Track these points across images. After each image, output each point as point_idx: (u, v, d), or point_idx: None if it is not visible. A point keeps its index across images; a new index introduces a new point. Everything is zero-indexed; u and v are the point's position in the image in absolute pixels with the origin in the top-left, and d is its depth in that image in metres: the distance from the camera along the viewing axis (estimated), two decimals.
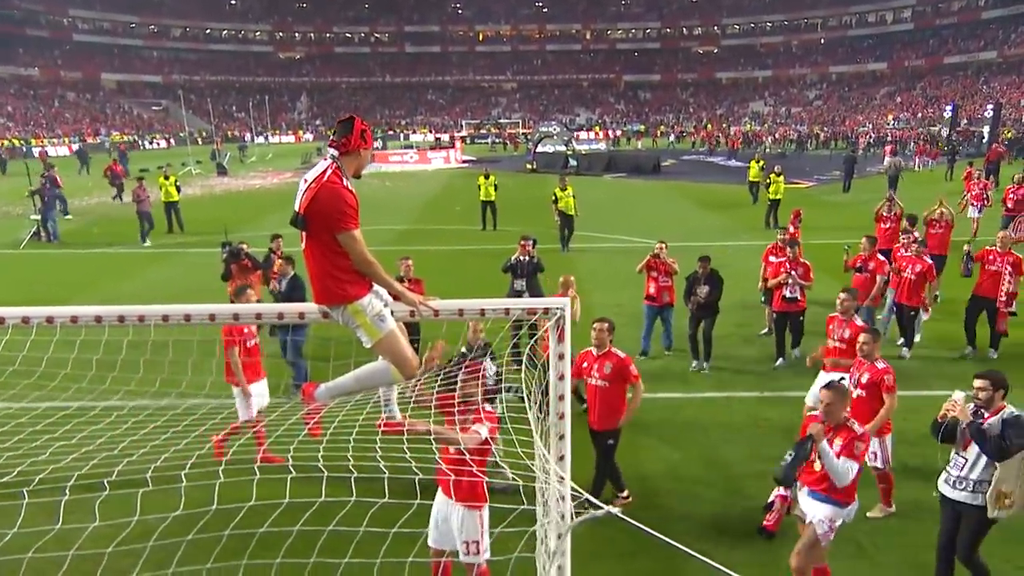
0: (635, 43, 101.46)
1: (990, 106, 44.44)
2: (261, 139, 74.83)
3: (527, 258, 9.89)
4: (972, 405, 5.13)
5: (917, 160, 38.93)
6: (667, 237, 19.25)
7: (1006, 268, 9.89)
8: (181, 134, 70.99)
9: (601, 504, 2.77)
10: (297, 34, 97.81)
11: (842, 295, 7.71)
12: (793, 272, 9.99)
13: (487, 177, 21.47)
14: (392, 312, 3.75)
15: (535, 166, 39.14)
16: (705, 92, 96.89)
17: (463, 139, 59.09)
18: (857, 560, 6.00)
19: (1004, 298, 9.90)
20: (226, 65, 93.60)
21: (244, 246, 10.90)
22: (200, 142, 67.40)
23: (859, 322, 7.47)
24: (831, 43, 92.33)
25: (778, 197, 21.37)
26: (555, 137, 43.25)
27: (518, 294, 9.79)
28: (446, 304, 3.83)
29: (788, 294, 9.99)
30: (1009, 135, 43.56)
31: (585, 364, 6.49)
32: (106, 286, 15.26)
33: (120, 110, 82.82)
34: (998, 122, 41.45)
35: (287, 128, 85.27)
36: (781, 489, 6.05)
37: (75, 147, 53.98)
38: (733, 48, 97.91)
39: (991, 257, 10.14)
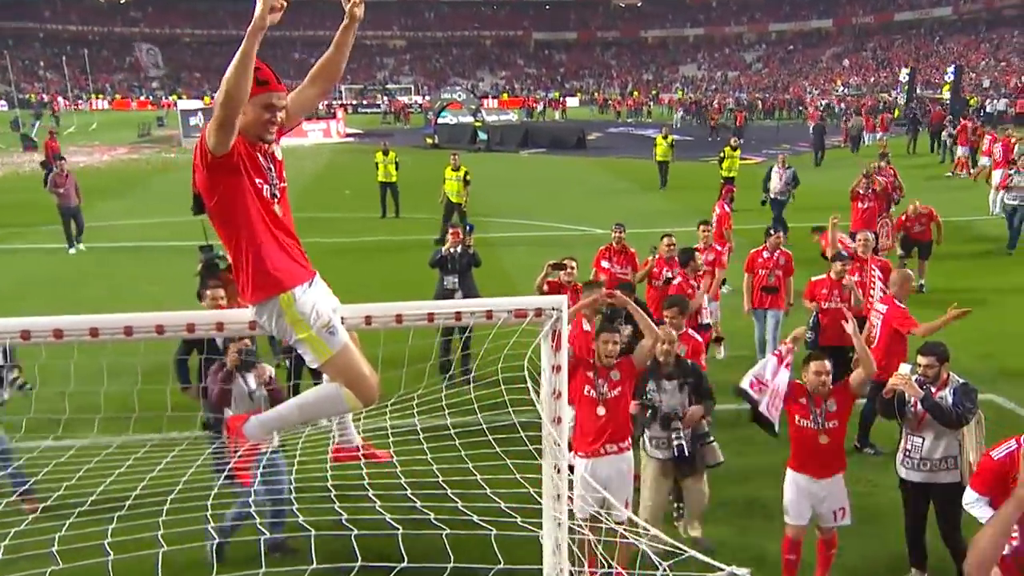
0: None
1: (951, 69, 47.60)
2: (101, 104, 70.34)
3: (460, 249, 9.59)
4: (917, 378, 5.84)
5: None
6: (604, 223, 19.52)
7: (874, 274, 9.20)
8: None
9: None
10: None
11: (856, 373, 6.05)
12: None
13: (386, 154, 21.05)
14: (343, 319, 3.49)
15: (436, 140, 38.95)
16: (629, 53, 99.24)
17: (345, 108, 57.85)
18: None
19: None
20: (27, 8, 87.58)
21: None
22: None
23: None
24: None
25: (732, 175, 21.88)
26: (462, 106, 43.24)
27: (449, 293, 9.44)
28: (412, 307, 3.68)
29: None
30: (974, 102, 46.54)
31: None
32: None
33: None
34: (960, 87, 44.48)
35: (114, 91, 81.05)
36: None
37: None
38: (659, 2, 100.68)
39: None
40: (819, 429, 5.74)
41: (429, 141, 38.97)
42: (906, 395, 5.84)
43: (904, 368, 5.94)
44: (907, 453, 5.96)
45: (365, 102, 71.63)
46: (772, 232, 10.42)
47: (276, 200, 3.37)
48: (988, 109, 43.88)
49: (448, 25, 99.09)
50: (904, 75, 50.85)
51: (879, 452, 8.01)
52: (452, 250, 9.57)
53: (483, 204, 22.15)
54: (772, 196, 18.34)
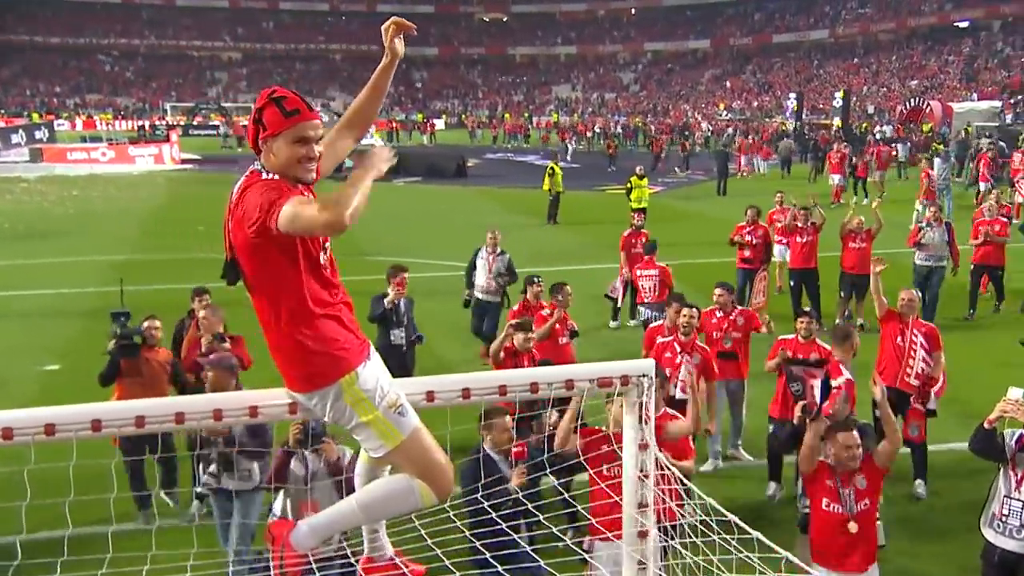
0: (401, 5, 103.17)
1: (838, 94, 51.36)
2: None
3: (404, 300, 9.26)
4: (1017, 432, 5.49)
5: (743, 161, 41.62)
6: None
7: (916, 340, 8.71)
8: None
9: None
10: None
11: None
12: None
13: None
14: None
15: None
16: (497, 71, 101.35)
17: (175, 129, 55.61)
18: None
19: (916, 383, 8.60)
20: None
21: (150, 325, 8.03)
22: None
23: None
24: (644, 14, 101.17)
25: (643, 206, 22.36)
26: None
27: (396, 350, 9.03)
28: (480, 379, 3.65)
29: None
30: (863, 128, 49.81)
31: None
32: None
33: None
34: (848, 113, 47.96)
35: None
36: None
37: None
38: (526, 16, 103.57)
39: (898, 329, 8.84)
40: (850, 514, 5.38)
41: None
42: (1004, 436, 5.50)
43: (1015, 392, 5.42)
44: (1002, 517, 5.49)
45: (196, 122, 69.16)
46: (723, 290, 9.62)
47: (326, 259, 3.20)
48: (878, 136, 47.30)
49: (290, 37, 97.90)
50: (792, 100, 54.22)
51: None
52: (395, 300, 9.22)
53: (363, 241, 21.54)
54: (478, 296, 12.84)
